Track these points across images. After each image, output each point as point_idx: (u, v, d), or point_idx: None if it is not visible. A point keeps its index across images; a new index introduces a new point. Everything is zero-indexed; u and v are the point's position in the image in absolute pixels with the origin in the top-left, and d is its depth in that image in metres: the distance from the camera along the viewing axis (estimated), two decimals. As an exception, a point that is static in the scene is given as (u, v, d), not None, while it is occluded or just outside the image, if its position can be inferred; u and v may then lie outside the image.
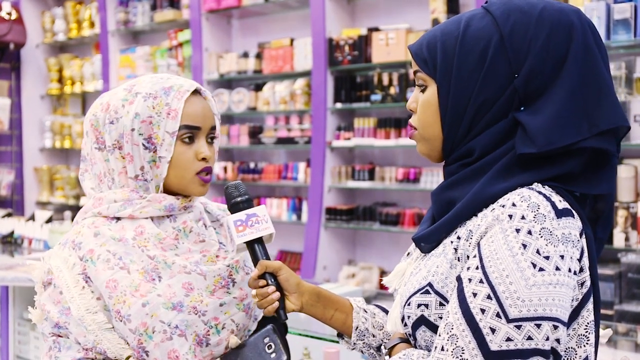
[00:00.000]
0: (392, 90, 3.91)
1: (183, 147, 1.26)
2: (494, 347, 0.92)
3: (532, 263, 0.93)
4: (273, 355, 1.20)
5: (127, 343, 1.21)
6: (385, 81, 3.94)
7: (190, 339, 1.21)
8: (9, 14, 5.69)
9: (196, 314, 1.22)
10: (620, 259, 3.04)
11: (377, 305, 1.36)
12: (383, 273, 4.10)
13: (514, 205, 0.96)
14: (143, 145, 1.25)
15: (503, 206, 0.97)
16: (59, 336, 1.23)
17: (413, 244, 1.17)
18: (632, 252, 3.00)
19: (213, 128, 1.31)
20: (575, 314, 0.99)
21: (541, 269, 0.93)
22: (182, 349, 1.20)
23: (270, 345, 1.21)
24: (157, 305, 1.20)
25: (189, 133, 1.26)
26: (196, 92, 1.30)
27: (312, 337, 2.28)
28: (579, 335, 1.00)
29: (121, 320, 1.19)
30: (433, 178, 3.81)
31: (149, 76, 1.32)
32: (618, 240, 2.99)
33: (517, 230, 0.94)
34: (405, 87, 3.87)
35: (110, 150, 1.27)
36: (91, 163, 1.31)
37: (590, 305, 1.00)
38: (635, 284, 3.00)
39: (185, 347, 1.20)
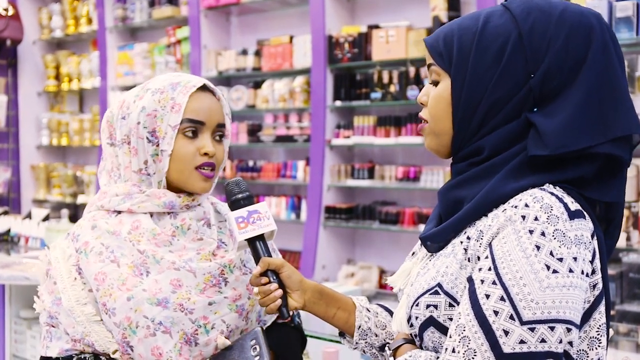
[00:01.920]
0: (392, 88, 3.89)
1: (185, 141, 1.26)
2: (507, 349, 0.91)
3: (546, 265, 0.92)
4: (257, 358, 1.18)
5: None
6: (385, 79, 3.92)
7: (176, 337, 1.20)
8: (6, 10, 5.66)
9: (182, 311, 1.21)
10: (621, 259, 3.03)
11: (379, 305, 1.34)
12: (382, 272, 4.09)
13: (526, 206, 0.95)
14: (147, 138, 1.26)
15: (515, 207, 0.96)
16: (52, 326, 1.25)
17: (418, 243, 1.16)
18: (634, 252, 2.99)
19: (220, 126, 1.31)
20: (587, 316, 0.98)
21: (555, 271, 0.92)
22: (165, 346, 1.19)
23: (255, 347, 1.19)
24: (141, 300, 1.20)
25: (192, 127, 1.26)
26: (208, 90, 1.31)
27: (311, 336, 2.25)
28: (590, 337, 0.99)
29: (107, 313, 1.20)
30: (433, 177, 3.79)
31: (165, 74, 1.35)
32: (619, 240, 2.97)
33: (531, 232, 0.93)
34: (405, 85, 3.85)
35: (119, 145, 1.29)
36: (104, 159, 1.34)
37: (602, 308, 1.00)
38: (637, 284, 2.98)
39: (169, 345, 1.20)
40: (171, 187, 1.29)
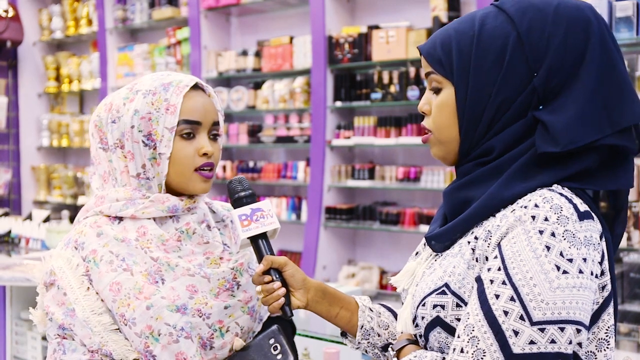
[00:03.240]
0: (392, 89, 3.90)
1: (183, 143, 1.24)
2: (516, 349, 0.90)
3: (556, 265, 0.92)
4: (279, 356, 1.18)
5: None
6: (386, 79, 3.93)
7: (196, 342, 1.20)
8: (6, 11, 5.66)
9: (200, 316, 1.21)
10: (622, 259, 3.03)
11: (382, 305, 1.34)
12: (383, 273, 4.09)
13: (536, 206, 0.95)
14: (143, 142, 1.24)
15: (525, 207, 0.96)
16: (64, 338, 1.21)
17: (422, 242, 1.16)
18: (634, 252, 2.99)
19: (215, 124, 1.29)
20: (595, 317, 0.98)
21: (565, 272, 0.92)
22: (189, 351, 1.19)
23: (276, 346, 1.19)
24: (161, 308, 1.18)
25: (189, 128, 1.25)
26: (198, 88, 1.29)
27: (312, 337, 2.26)
28: (599, 339, 0.99)
29: (126, 324, 1.18)
30: (434, 177, 3.79)
31: (152, 74, 1.31)
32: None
33: (541, 232, 0.93)
34: (405, 86, 3.85)
35: (112, 150, 1.27)
36: (97, 164, 1.31)
37: (610, 309, 0.99)
38: (638, 283, 2.98)
39: (192, 349, 1.19)
40: (170, 189, 1.28)
